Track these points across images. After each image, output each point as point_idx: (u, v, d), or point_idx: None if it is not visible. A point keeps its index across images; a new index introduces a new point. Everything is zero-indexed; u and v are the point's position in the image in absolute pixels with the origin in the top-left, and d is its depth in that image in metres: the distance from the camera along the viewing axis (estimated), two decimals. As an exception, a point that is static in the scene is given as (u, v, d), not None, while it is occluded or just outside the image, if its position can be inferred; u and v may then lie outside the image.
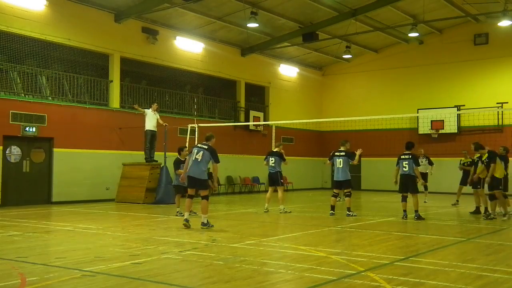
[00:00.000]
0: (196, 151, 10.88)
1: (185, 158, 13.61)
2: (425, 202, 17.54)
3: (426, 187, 18.20)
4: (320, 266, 6.95)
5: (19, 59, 17.24)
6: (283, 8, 21.61)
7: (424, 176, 17.80)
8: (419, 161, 17.68)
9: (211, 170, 12.01)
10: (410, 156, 12.91)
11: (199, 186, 10.84)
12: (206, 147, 10.88)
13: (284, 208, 14.42)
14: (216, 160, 10.79)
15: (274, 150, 14.83)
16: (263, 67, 26.45)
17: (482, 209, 13.81)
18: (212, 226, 10.87)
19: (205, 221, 10.78)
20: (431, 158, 18.37)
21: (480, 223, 12.55)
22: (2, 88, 16.80)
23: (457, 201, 17.04)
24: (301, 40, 23.84)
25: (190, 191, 11.08)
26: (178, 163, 13.47)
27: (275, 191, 14.64)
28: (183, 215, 13.24)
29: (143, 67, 21.29)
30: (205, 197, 10.87)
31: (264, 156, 15.05)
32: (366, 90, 28.14)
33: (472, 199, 16.99)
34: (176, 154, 14.11)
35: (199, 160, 10.72)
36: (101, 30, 19.28)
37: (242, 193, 24.20)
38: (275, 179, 14.57)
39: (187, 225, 10.79)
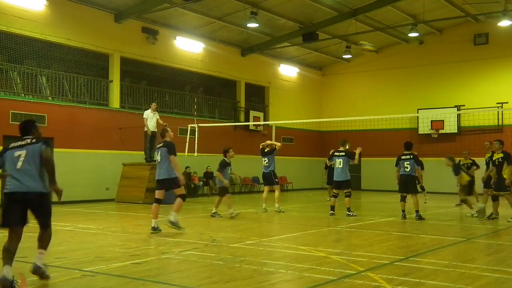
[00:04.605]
0: (156, 153, 10.39)
1: (230, 161, 13.30)
2: (425, 202, 17.50)
3: (423, 188, 18.18)
4: (320, 266, 6.95)
5: (19, 59, 17.24)
6: (283, 8, 21.61)
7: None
8: None
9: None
10: (411, 156, 12.88)
11: (170, 185, 10.14)
12: (161, 144, 10.30)
13: (278, 207, 14.43)
14: (171, 152, 9.98)
15: (266, 150, 14.89)
16: (263, 67, 26.45)
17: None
18: (182, 228, 10.13)
19: (174, 220, 10.06)
20: (420, 159, 18.37)
21: (480, 223, 12.54)
22: (2, 88, 16.81)
23: (461, 202, 16.91)
24: (301, 40, 23.84)
25: (158, 194, 10.34)
26: (224, 166, 13.10)
27: (272, 191, 14.71)
28: (220, 216, 13.02)
29: (143, 67, 21.29)
30: (182, 196, 10.20)
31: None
32: (366, 90, 28.13)
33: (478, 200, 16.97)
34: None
35: (159, 160, 10.18)
36: (101, 30, 19.28)
37: (242, 193, 24.19)
38: (269, 179, 14.66)
39: (154, 233, 9.98)
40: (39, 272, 5.99)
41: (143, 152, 18.27)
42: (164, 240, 9.28)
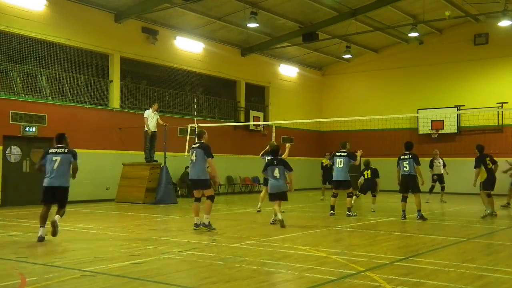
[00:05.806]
0: (191, 152, 10.64)
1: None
2: (443, 201, 18.25)
3: (443, 188, 18.74)
4: (320, 266, 6.95)
5: (19, 59, 17.24)
6: (283, 8, 21.61)
7: (440, 177, 18.42)
8: (437, 162, 18.20)
9: None
10: (410, 156, 12.91)
11: (202, 186, 10.54)
12: (197, 145, 10.58)
13: None
14: (208, 155, 10.37)
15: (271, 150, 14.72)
16: (263, 67, 26.45)
17: None
18: (214, 229, 10.36)
19: (207, 222, 10.37)
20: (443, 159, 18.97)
21: (480, 223, 12.54)
22: (2, 88, 16.80)
23: (508, 203, 16.79)
24: (301, 40, 23.84)
25: (196, 194, 10.75)
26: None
27: None
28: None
29: (143, 67, 21.29)
30: (210, 197, 10.44)
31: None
32: (366, 90, 28.12)
33: (479, 200, 17.19)
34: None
35: (194, 161, 10.46)
36: (101, 30, 19.27)
37: (242, 193, 24.19)
38: None
39: (197, 229, 10.44)
40: (54, 225, 8.89)
41: (143, 152, 18.26)
42: (164, 240, 9.28)
